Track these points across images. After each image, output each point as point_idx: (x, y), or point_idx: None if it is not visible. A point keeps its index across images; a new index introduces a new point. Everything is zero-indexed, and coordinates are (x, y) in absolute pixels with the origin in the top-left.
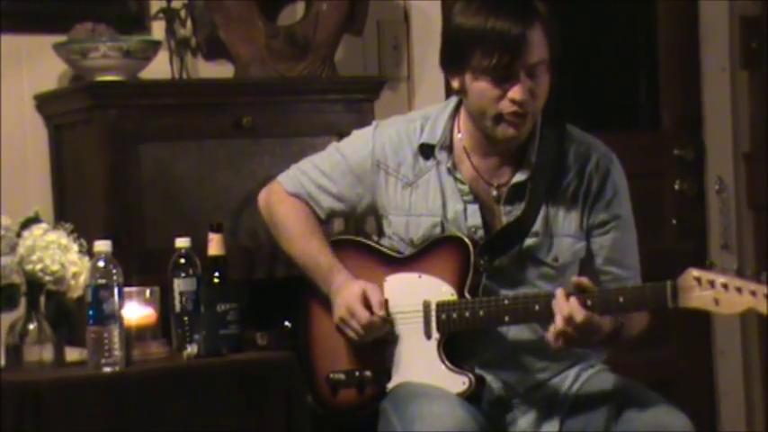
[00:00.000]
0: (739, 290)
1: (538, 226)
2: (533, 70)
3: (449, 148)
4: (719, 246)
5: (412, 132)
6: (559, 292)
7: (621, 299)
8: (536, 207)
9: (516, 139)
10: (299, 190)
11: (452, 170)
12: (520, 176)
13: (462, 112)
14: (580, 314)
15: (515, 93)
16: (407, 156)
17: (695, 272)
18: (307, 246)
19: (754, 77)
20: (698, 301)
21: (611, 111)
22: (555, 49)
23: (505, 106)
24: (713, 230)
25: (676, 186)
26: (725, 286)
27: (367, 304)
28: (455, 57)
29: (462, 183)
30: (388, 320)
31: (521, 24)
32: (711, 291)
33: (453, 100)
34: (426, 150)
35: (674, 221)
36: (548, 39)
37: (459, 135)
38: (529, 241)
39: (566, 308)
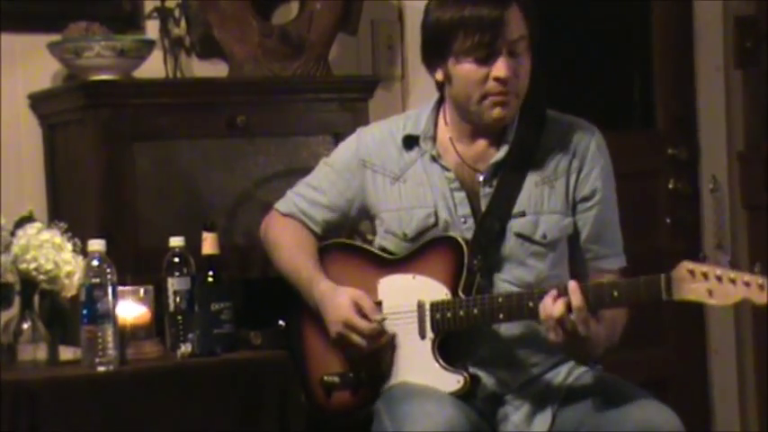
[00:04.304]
0: (733, 281)
1: (524, 205)
2: (514, 47)
3: (433, 138)
4: (714, 245)
5: (395, 129)
6: (549, 296)
7: (615, 293)
8: (513, 183)
9: (503, 120)
10: (292, 209)
11: (437, 158)
12: (498, 156)
13: (446, 105)
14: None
15: (498, 70)
16: (392, 152)
17: (689, 264)
18: (291, 261)
19: (749, 77)
20: (692, 294)
21: (605, 110)
22: (534, 27)
23: (490, 87)
24: (707, 230)
25: (670, 186)
26: (719, 278)
27: (361, 313)
28: (437, 47)
29: (447, 170)
30: (383, 324)
31: (498, 7)
32: (705, 283)
33: (435, 96)
34: (410, 142)
35: (669, 221)
36: (525, 17)
37: (446, 125)
38: (516, 221)
39: (556, 312)
